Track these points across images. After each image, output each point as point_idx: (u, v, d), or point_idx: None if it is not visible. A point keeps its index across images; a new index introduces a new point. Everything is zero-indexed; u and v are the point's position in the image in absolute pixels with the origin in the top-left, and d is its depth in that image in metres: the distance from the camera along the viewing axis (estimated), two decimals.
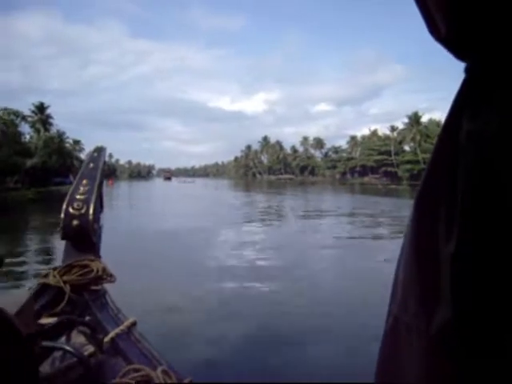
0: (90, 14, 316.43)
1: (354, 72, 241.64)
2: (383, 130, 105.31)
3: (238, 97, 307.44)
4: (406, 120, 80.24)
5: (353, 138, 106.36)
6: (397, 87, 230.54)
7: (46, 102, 63.81)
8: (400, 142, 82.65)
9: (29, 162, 48.82)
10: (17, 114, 47.76)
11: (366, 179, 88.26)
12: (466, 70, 0.42)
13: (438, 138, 0.44)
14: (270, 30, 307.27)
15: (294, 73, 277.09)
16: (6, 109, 45.82)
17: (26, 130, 54.65)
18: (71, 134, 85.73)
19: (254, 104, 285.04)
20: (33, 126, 59.13)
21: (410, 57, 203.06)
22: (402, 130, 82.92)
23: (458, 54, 0.42)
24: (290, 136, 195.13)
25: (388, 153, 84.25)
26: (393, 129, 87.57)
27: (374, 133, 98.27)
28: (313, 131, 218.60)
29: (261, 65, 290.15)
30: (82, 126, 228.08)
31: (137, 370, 1.30)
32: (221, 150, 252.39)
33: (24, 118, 50.28)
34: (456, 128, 0.41)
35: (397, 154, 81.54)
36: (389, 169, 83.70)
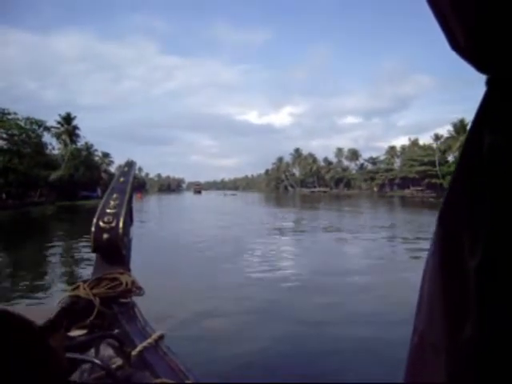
0: (121, 32, 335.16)
1: (381, 84, 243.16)
2: (423, 139, 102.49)
3: (265, 110, 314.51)
4: (440, 129, 78.48)
5: (392, 148, 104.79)
6: (427, 98, 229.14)
7: (79, 117, 64.33)
8: (444, 152, 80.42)
9: (53, 175, 49.12)
10: (39, 123, 47.43)
11: (406, 191, 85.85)
12: (487, 83, 0.43)
13: (460, 152, 0.45)
14: (294, 43, 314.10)
15: (319, 85, 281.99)
16: (28, 118, 45.83)
17: (50, 141, 54.42)
18: (101, 148, 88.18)
19: (281, 117, 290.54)
20: (58, 137, 59.14)
21: (438, 67, 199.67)
22: (447, 138, 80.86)
23: (479, 65, 0.43)
24: (317, 149, 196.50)
25: (432, 163, 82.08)
26: (437, 137, 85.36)
27: (415, 142, 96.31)
28: (341, 144, 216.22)
29: (286, 78, 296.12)
30: (112, 139, 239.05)
31: None
32: (249, 163, 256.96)
33: (47, 128, 49.99)
34: (479, 141, 0.42)
35: (441, 164, 79.41)
36: (433, 180, 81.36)
